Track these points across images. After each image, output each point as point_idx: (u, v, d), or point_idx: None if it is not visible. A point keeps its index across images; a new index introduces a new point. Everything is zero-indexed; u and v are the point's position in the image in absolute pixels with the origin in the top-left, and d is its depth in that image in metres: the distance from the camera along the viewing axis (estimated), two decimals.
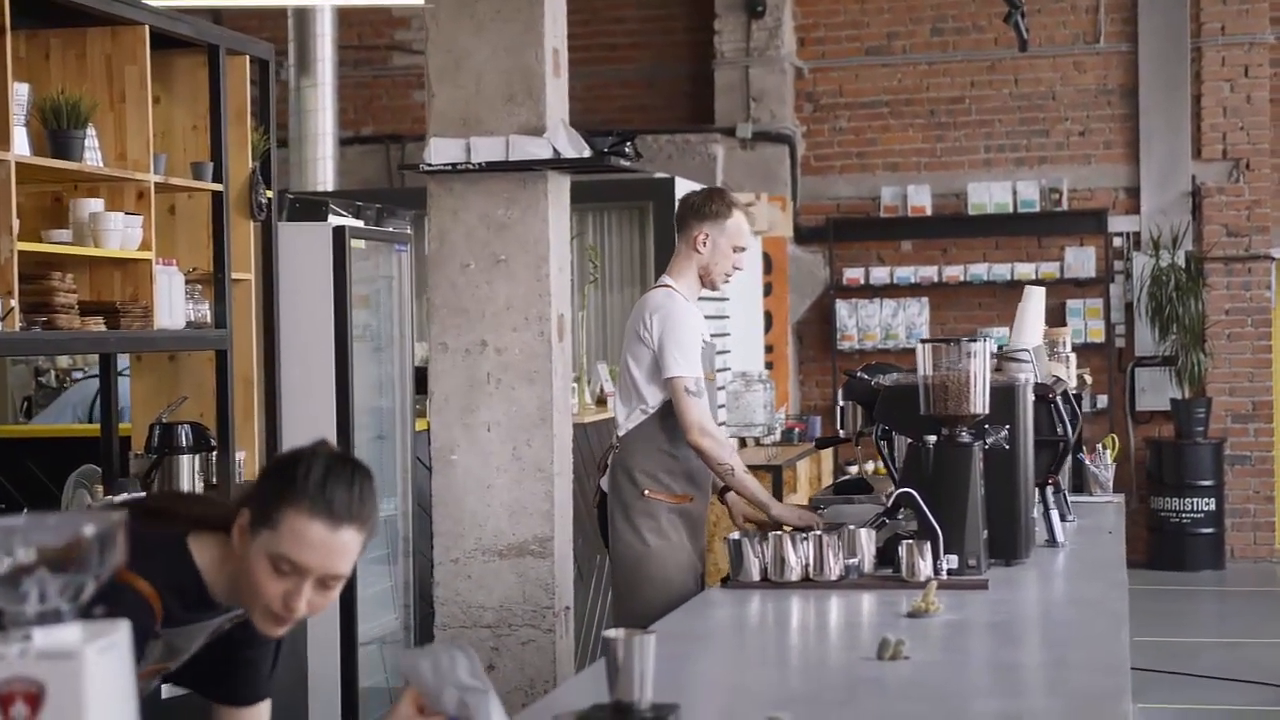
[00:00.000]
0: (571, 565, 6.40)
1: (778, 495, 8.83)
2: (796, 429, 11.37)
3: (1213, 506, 12.44)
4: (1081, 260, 12.83)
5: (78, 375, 8.01)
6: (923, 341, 4.57)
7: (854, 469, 12.27)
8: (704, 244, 5.38)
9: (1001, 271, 12.86)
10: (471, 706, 2.62)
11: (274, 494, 2.65)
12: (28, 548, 1.80)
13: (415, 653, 2.60)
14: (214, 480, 5.73)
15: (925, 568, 4.27)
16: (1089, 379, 10.69)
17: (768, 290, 12.63)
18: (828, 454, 11.50)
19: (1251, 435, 12.81)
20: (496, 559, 5.84)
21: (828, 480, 10.65)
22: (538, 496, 6.02)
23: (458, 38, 6.09)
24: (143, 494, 5.16)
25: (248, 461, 5.99)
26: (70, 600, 1.81)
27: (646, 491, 5.31)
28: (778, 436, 10.74)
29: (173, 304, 5.38)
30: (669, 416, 5.27)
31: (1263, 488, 12.82)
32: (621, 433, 5.43)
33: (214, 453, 5.70)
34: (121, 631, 1.83)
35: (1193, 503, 12.43)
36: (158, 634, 2.71)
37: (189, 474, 5.53)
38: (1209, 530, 12.46)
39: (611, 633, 2.80)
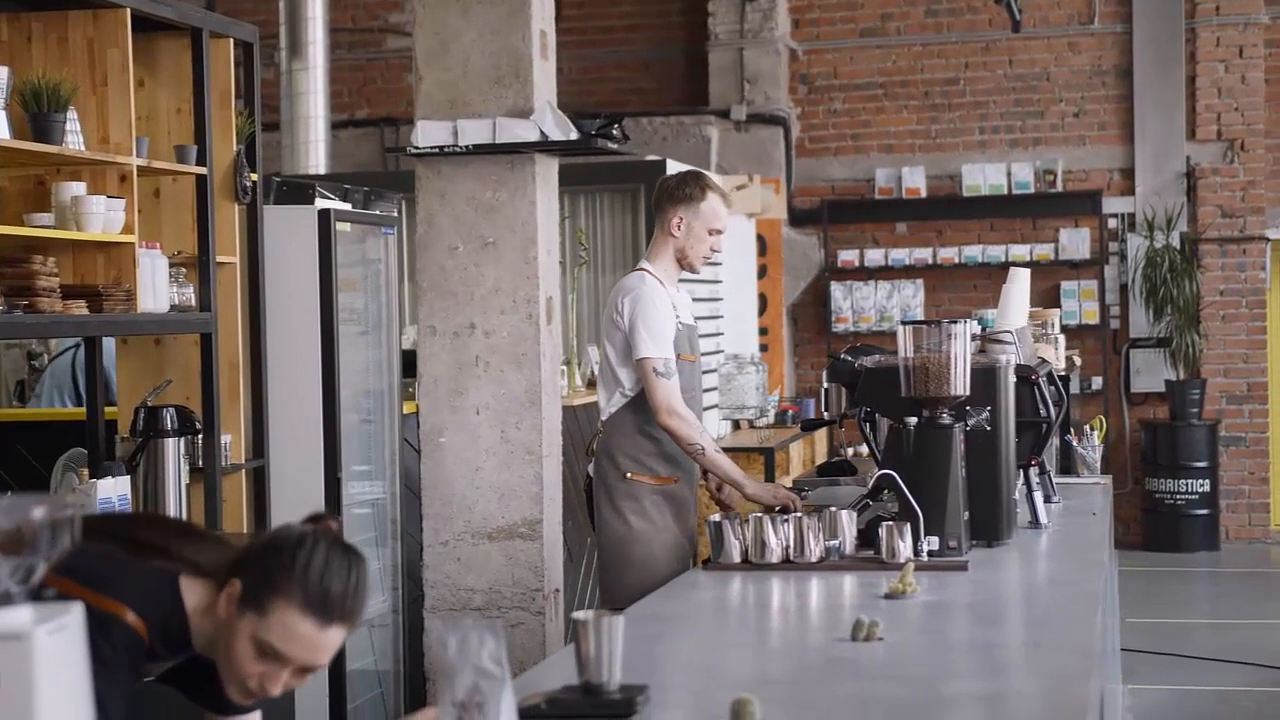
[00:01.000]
0: (561, 548, 6.40)
1: (769, 478, 8.83)
2: (790, 411, 11.37)
3: (1207, 488, 12.45)
4: (1076, 242, 12.82)
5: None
6: (903, 323, 4.58)
7: (849, 451, 12.29)
8: (679, 228, 5.39)
9: (996, 253, 12.86)
10: (484, 692, 2.63)
11: (268, 577, 2.63)
12: None
13: (446, 625, 2.60)
14: (199, 463, 5.73)
15: (905, 549, 4.28)
16: (1078, 360, 10.69)
17: (762, 272, 12.63)
18: (821, 436, 11.51)
19: (1246, 416, 12.81)
20: (485, 541, 5.84)
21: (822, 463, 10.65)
22: (526, 479, 6.02)
23: (445, 20, 6.08)
24: (130, 512, 5.13)
25: (233, 445, 5.99)
26: (20, 582, 1.81)
27: (629, 474, 5.32)
28: (771, 419, 10.74)
29: (156, 287, 5.37)
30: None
31: (1257, 469, 12.82)
32: (603, 417, 5.45)
33: (199, 436, 5.70)
34: (74, 613, 1.84)
35: (1187, 484, 12.43)
36: (142, 669, 2.71)
37: (174, 457, 5.53)
38: (1203, 512, 12.47)
39: (580, 615, 2.81)
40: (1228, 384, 12.80)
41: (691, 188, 5.42)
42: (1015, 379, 4.90)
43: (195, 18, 5.72)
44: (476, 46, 6.06)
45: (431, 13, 6.12)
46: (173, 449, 5.55)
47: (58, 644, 1.80)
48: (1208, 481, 12.45)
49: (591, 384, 8.23)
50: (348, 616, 2.66)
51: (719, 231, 5.43)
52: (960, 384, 4.49)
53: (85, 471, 5.59)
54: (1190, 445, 12.45)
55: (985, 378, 4.65)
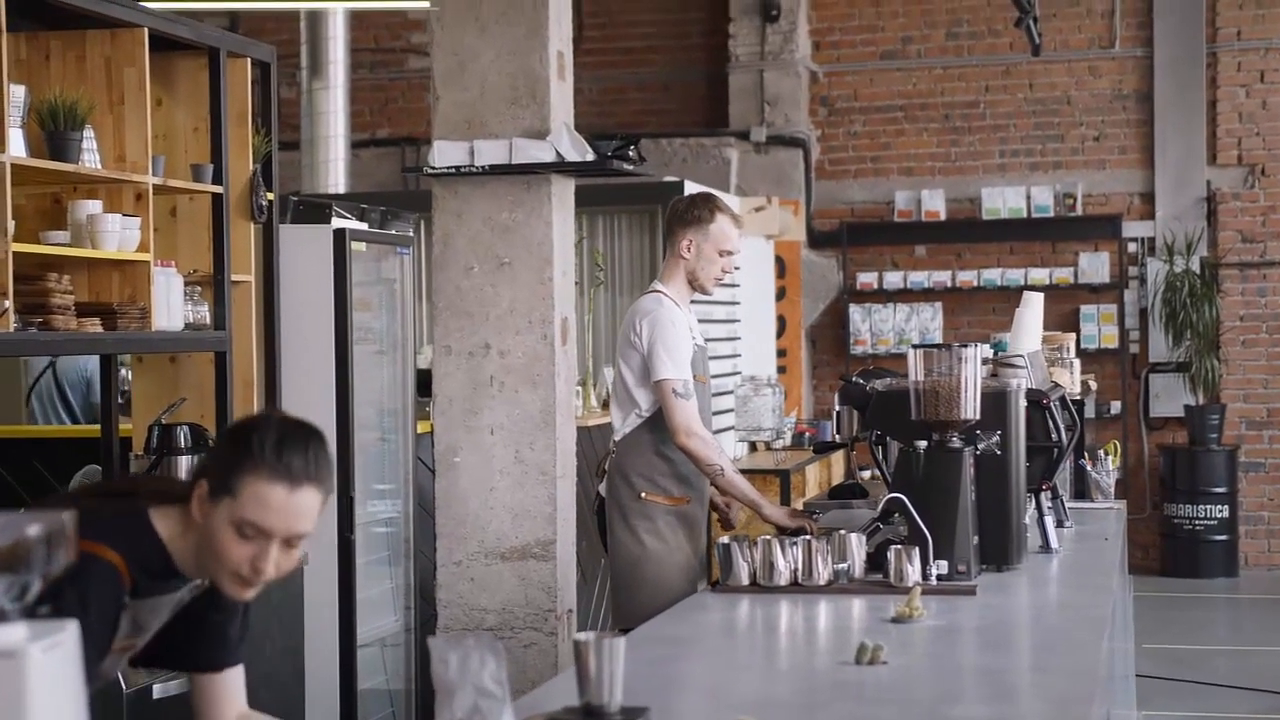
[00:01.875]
0: (574, 568, 6.40)
1: (785, 500, 8.83)
2: (808, 433, 11.36)
3: (1226, 513, 12.41)
4: (1095, 266, 12.80)
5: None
6: (914, 347, 4.58)
7: (866, 474, 12.26)
8: (689, 249, 5.43)
9: (1015, 276, 12.84)
10: (484, 712, 2.63)
11: (231, 463, 2.73)
12: None
13: (448, 643, 2.62)
14: None
15: (913, 573, 4.27)
16: (1094, 385, 10.65)
17: (781, 294, 12.63)
18: (839, 458, 11.49)
19: (1265, 442, 12.77)
20: (499, 562, 5.85)
21: None
22: (540, 499, 6.03)
23: (463, 40, 6.10)
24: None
25: None
26: (15, 600, 1.82)
27: (643, 494, 5.34)
28: (788, 440, 10.73)
29: (171, 305, 5.40)
30: (663, 420, 5.30)
31: (1276, 495, 12.77)
32: (617, 437, 5.46)
33: None
34: (68, 631, 1.85)
35: (1206, 509, 12.39)
36: (125, 605, 2.76)
37: (187, 475, 5.55)
38: (1222, 537, 12.42)
39: (581, 636, 2.81)
40: (1247, 409, 12.76)
41: (701, 210, 5.45)
42: (1027, 403, 4.90)
43: (213, 37, 5.75)
44: (494, 67, 6.08)
45: (450, 33, 6.15)
46: (186, 467, 5.56)
47: (52, 661, 1.80)
48: (1227, 507, 12.41)
49: (607, 404, 8.23)
50: (315, 478, 2.75)
51: (729, 253, 5.45)
52: (970, 408, 4.49)
53: None
54: (1209, 471, 12.41)
55: (996, 402, 4.64)
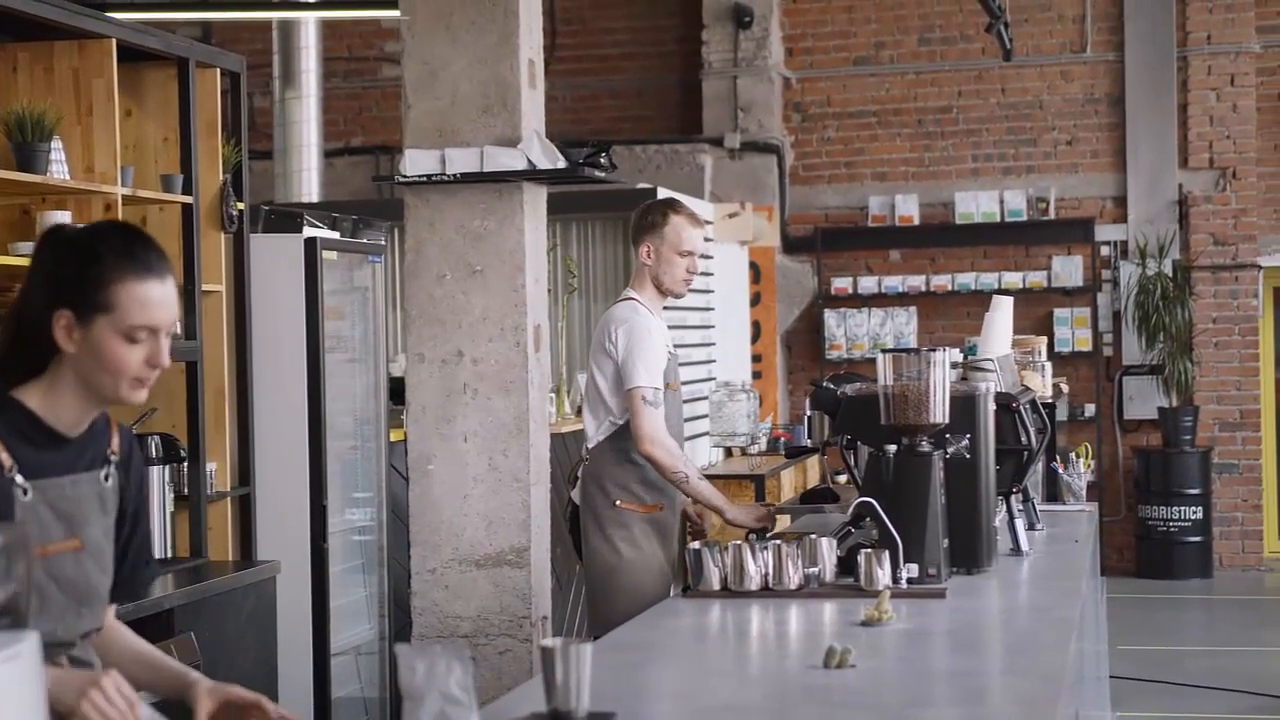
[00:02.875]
0: (549, 575, 6.41)
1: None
2: (783, 438, 11.37)
3: (1200, 515, 12.45)
4: (1069, 269, 12.84)
5: None
6: (883, 351, 4.59)
7: (843, 478, 12.27)
8: (650, 255, 5.47)
9: (989, 281, 12.88)
10: (450, 718, 2.64)
11: (91, 279, 2.74)
12: None
13: (415, 650, 2.63)
14: (185, 491, 5.74)
15: (884, 577, 4.29)
16: (1065, 388, 10.70)
17: (756, 300, 12.65)
18: (814, 463, 11.51)
19: (1239, 444, 12.82)
20: (473, 569, 5.85)
21: None
22: (514, 506, 6.03)
23: (433, 49, 6.11)
24: None
25: (219, 472, 6.00)
26: None
27: (618, 502, 5.36)
28: (763, 446, 10.74)
29: None
30: None
31: (1250, 496, 12.82)
32: (590, 444, 5.47)
33: (184, 464, 5.71)
34: (28, 642, 1.85)
35: (1180, 511, 12.43)
36: (16, 483, 2.74)
37: (159, 485, 5.54)
38: (1196, 539, 12.47)
39: (548, 642, 2.82)
40: (1220, 411, 12.81)
41: (654, 215, 5.49)
42: (996, 407, 4.91)
43: (181, 48, 5.75)
44: (465, 75, 6.08)
45: (421, 41, 6.15)
46: (157, 477, 5.56)
47: (11, 673, 1.81)
48: (1201, 508, 12.46)
49: (580, 411, 8.25)
50: (169, 268, 2.83)
51: (689, 253, 5.47)
52: (940, 412, 4.51)
53: None
54: (1183, 472, 12.46)
55: (965, 405, 4.66)
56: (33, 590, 2.58)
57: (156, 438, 5.59)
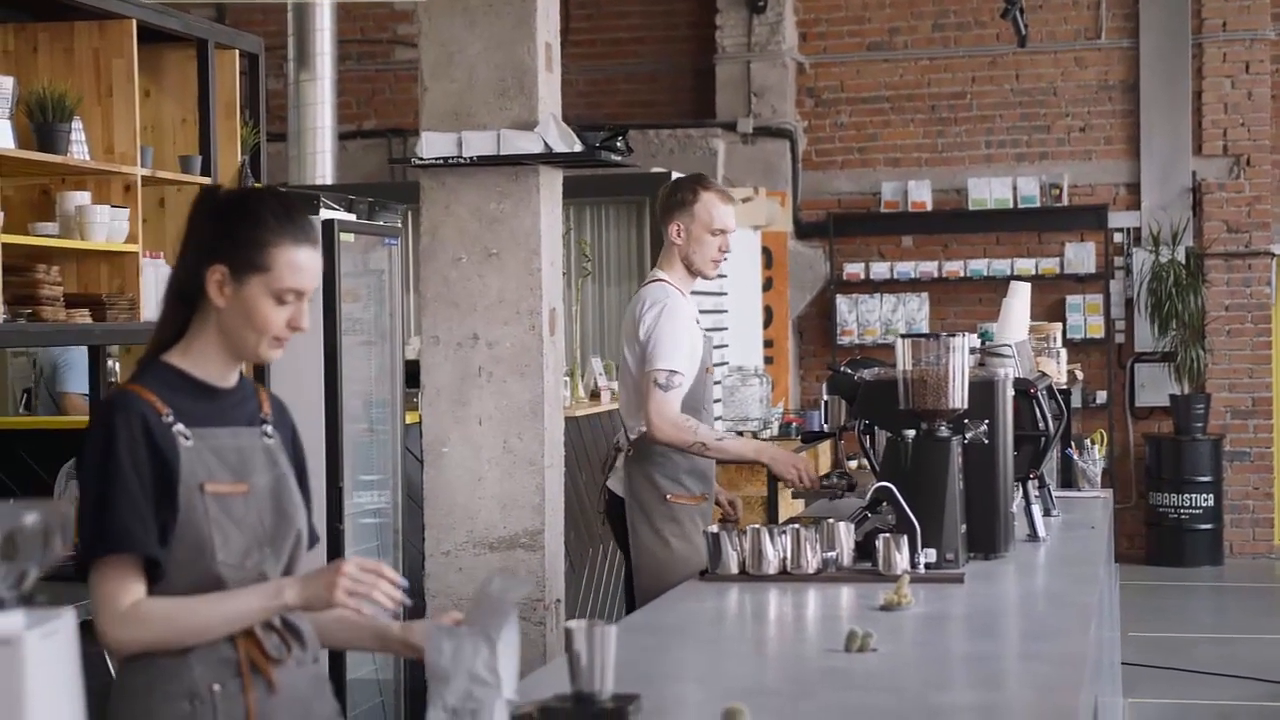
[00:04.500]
0: (563, 559, 6.41)
1: (771, 490, 8.80)
2: (795, 423, 11.37)
3: (1211, 502, 12.45)
4: (1082, 256, 12.83)
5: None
6: (902, 336, 4.59)
7: (853, 464, 12.27)
8: (680, 234, 5.39)
9: (1002, 267, 12.87)
10: (477, 699, 2.66)
11: (246, 245, 2.85)
12: None
13: (443, 630, 2.66)
14: None
15: (902, 561, 4.29)
16: (1080, 375, 10.69)
17: (768, 285, 12.65)
18: (825, 448, 11.51)
19: (1251, 431, 12.81)
20: (487, 552, 5.85)
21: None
22: (529, 490, 6.03)
23: (451, 31, 6.11)
24: None
25: None
26: (11, 588, 1.83)
27: (669, 496, 5.29)
28: (775, 430, 10.74)
29: (159, 296, 5.39)
30: (685, 414, 5.26)
31: (1261, 484, 12.82)
32: (633, 435, 5.39)
33: None
34: (65, 619, 1.86)
35: (1191, 498, 12.43)
36: (177, 430, 2.83)
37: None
38: (1207, 526, 12.47)
39: (572, 624, 2.82)
40: (1232, 399, 12.80)
41: (684, 192, 5.41)
42: (1014, 392, 4.91)
43: (201, 29, 5.75)
44: (482, 58, 6.08)
45: (438, 24, 6.16)
46: None
47: (49, 649, 1.81)
48: (1212, 496, 12.45)
49: (595, 395, 8.25)
50: (319, 236, 2.96)
51: (721, 231, 5.38)
52: (958, 397, 4.50)
53: None
54: (1194, 460, 12.45)
55: (983, 391, 4.66)
56: (212, 526, 2.80)
57: None
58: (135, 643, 2.83)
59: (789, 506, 7.53)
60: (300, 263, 2.87)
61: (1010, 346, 5.27)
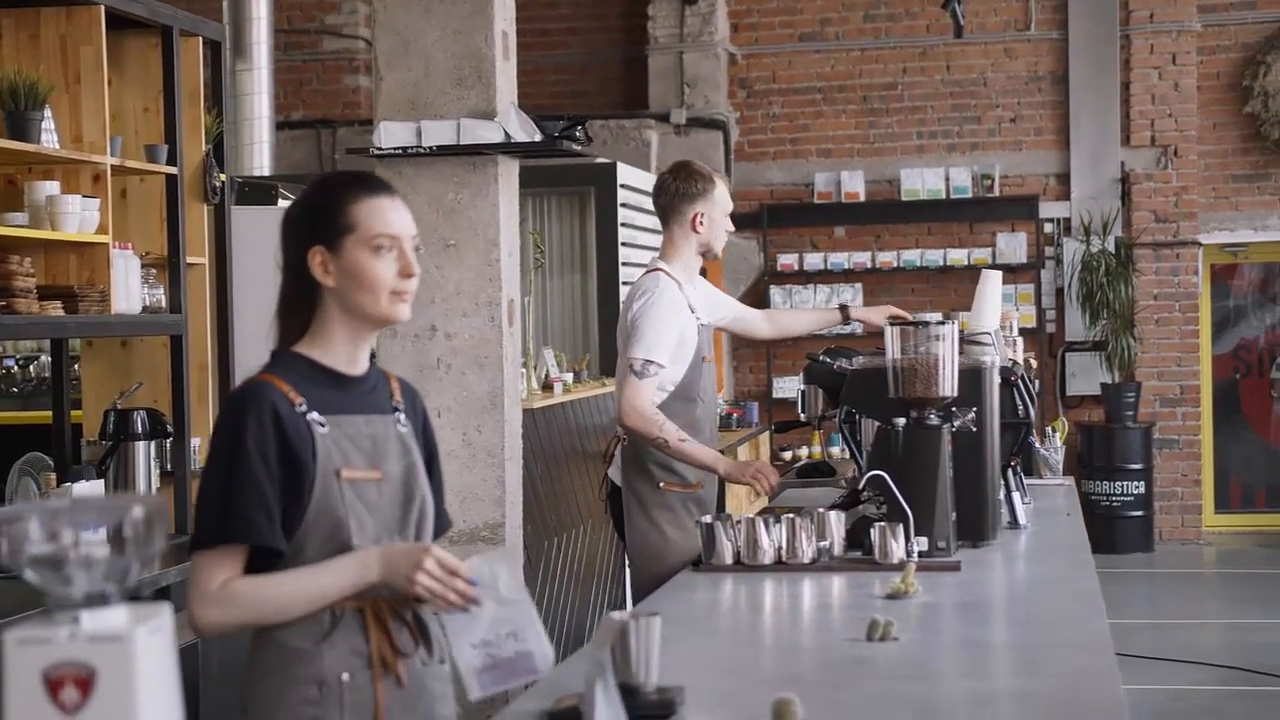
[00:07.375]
0: (521, 551, 6.37)
1: (721, 491, 8.80)
2: (735, 415, 11.40)
3: (1142, 490, 12.59)
4: (1013, 246, 12.93)
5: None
6: (892, 324, 4.59)
7: (805, 452, 12.31)
8: (701, 223, 5.41)
9: (934, 257, 12.94)
10: (512, 621, 2.74)
11: (330, 214, 2.91)
12: (73, 530, 1.77)
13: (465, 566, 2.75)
14: (169, 467, 5.65)
15: (899, 550, 4.29)
16: (1034, 362, 10.78)
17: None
18: (764, 439, 11.54)
19: (1179, 419, 12.96)
20: (447, 545, 5.78)
21: None
22: (489, 482, 6.00)
23: (406, 20, 6.05)
24: None
25: (203, 448, 5.92)
26: (117, 582, 1.78)
27: (662, 484, 5.27)
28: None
29: (129, 288, 5.30)
30: (677, 403, 5.24)
31: (1190, 471, 12.98)
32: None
33: (169, 439, 5.63)
34: (165, 615, 1.81)
35: (1122, 486, 12.56)
36: (311, 418, 2.86)
37: (144, 461, 5.46)
38: (1138, 513, 12.61)
39: (618, 615, 2.79)
40: (1161, 387, 12.94)
41: (700, 182, 5.42)
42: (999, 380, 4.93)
43: (166, 15, 5.65)
44: (439, 46, 6.03)
45: (392, 12, 6.09)
46: (143, 452, 5.48)
47: (155, 644, 1.77)
48: (1142, 484, 12.59)
49: (548, 387, 8.21)
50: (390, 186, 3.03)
51: (728, 212, 5.49)
52: (948, 385, 4.51)
53: (51, 476, 5.51)
54: (1125, 448, 12.59)
55: (971, 378, 4.67)
56: (349, 511, 2.83)
57: (142, 413, 5.51)
58: (221, 624, 2.83)
59: (756, 501, 7.52)
60: (381, 208, 2.92)
61: (989, 334, 5.29)
